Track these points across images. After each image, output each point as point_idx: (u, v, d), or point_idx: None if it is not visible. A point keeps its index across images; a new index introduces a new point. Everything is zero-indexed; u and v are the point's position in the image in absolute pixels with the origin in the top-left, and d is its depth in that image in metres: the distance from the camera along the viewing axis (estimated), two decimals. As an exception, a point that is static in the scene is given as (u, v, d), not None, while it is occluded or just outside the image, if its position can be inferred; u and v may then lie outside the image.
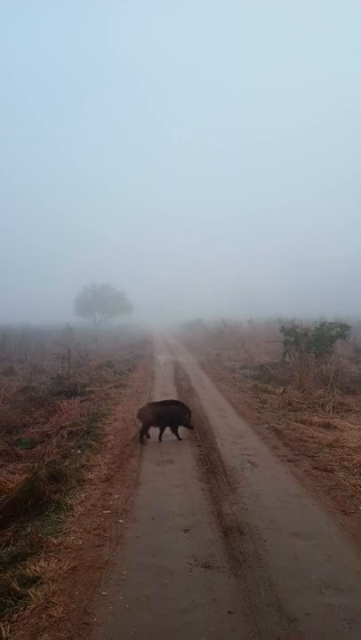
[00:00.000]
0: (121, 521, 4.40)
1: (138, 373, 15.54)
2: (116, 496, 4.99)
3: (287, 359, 14.56)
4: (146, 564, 3.67)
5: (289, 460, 6.15)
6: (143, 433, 7.07)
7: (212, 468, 5.86)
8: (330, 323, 15.15)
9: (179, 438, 7.21)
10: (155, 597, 3.24)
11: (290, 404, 9.64)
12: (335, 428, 7.77)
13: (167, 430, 7.31)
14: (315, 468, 5.84)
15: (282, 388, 11.13)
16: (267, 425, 8.06)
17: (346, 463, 5.94)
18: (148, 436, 7.12)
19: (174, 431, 7.26)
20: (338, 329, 14.34)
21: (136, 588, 3.34)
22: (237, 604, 3.14)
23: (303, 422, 8.23)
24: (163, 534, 4.14)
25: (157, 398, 10.72)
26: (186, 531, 4.20)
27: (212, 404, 10.13)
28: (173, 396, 11.00)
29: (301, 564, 3.62)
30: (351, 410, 9.14)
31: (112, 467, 5.93)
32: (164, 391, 11.81)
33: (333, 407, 9.23)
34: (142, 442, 6.98)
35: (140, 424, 7.22)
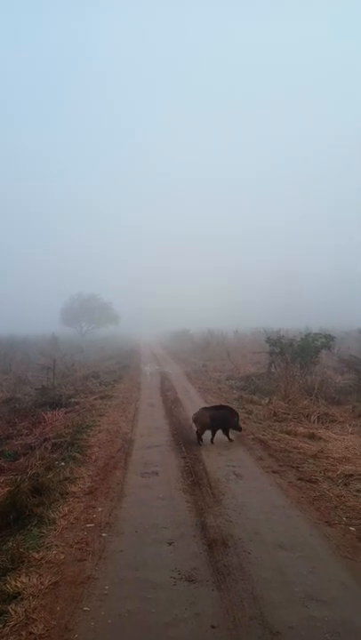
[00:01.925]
0: (104, 534, 4.35)
1: (124, 384, 15.46)
2: (100, 509, 4.94)
3: (273, 370, 14.62)
4: (129, 578, 3.63)
5: (274, 472, 6.15)
6: (200, 435, 7.51)
7: (197, 479, 5.83)
8: (315, 333, 15.27)
9: (230, 439, 7.59)
10: (137, 612, 3.20)
11: (275, 414, 9.66)
12: (320, 438, 7.80)
13: (152, 441, 7.28)
14: (299, 479, 5.85)
15: (267, 399, 11.16)
16: (252, 436, 8.06)
17: (330, 474, 5.95)
18: (201, 440, 7.54)
19: (226, 433, 7.64)
20: (323, 340, 14.45)
21: (119, 603, 3.30)
22: (221, 619, 3.11)
23: (288, 433, 8.25)
24: (146, 547, 4.10)
25: (143, 409, 10.71)
26: (170, 544, 4.17)
27: (198, 414, 10.09)
28: (159, 407, 10.99)
29: (285, 577, 3.61)
30: (336, 420, 9.18)
31: (96, 479, 5.87)
32: (150, 402, 11.77)
33: (318, 418, 9.27)
34: (199, 443, 7.48)
35: (196, 428, 7.60)
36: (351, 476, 5.82)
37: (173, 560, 3.88)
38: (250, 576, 3.61)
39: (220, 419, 7.63)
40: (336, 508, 4.94)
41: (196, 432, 7.56)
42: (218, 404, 8.76)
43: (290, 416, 9.59)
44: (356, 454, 6.81)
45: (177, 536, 4.31)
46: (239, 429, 7.67)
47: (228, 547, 4.08)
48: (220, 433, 7.68)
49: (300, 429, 8.40)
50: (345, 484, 5.59)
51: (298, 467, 6.32)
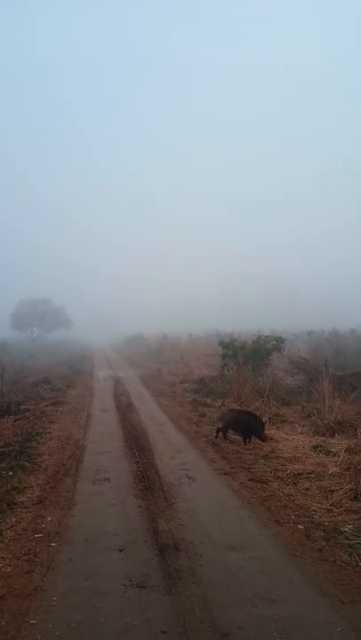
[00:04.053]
0: (53, 544, 4.24)
1: (76, 390, 15.20)
2: (49, 518, 4.81)
3: (226, 372, 14.79)
4: (78, 587, 3.55)
5: (226, 473, 6.21)
6: (219, 431, 7.93)
7: (149, 484, 5.80)
8: (266, 336, 15.63)
9: (245, 443, 7.65)
10: (86, 622, 3.13)
11: (228, 416, 9.76)
12: (271, 439, 7.94)
13: (105, 447, 7.19)
14: (250, 479, 5.93)
15: (220, 401, 11.28)
16: (205, 438, 8.11)
17: (280, 474, 6.08)
18: (225, 437, 7.88)
19: (245, 437, 7.72)
20: (274, 342, 14.81)
21: (67, 614, 3.22)
22: (171, 623, 3.10)
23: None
24: (97, 556, 4.03)
25: (96, 415, 10.57)
26: (121, 550, 4.11)
27: (152, 419, 10.07)
28: (112, 412, 10.89)
29: (235, 578, 3.65)
30: (286, 420, 9.40)
31: (46, 488, 5.72)
32: (103, 407, 11.63)
33: (270, 418, 9.44)
34: (216, 437, 7.93)
35: (220, 425, 7.95)
36: (300, 474, 5.97)
37: (124, 567, 3.83)
38: (201, 579, 3.62)
39: (244, 423, 7.80)
40: (285, 506, 5.04)
41: (218, 428, 7.88)
42: (248, 410, 8.96)
43: (242, 418, 9.72)
44: (305, 453, 6.99)
45: (128, 542, 4.26)
46: (263, 440, 7.64)
47: (180, 551, 4.08)
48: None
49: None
50: (294, 483, 5.73)
51: (249, 468, 6.41)
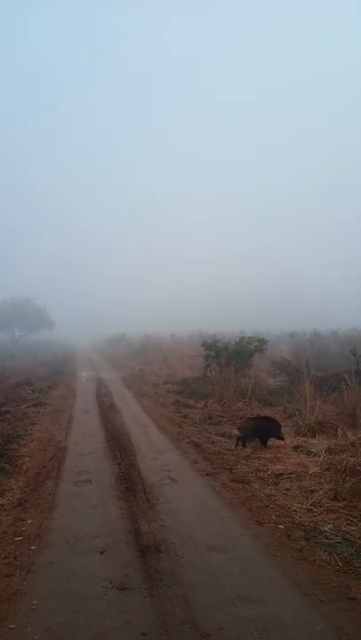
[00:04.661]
0: (33, 547, 4.20)
1: (58, 391, 15.08)
2: (30, 521, 4.76)
3: (208, 373, 14.83)
4: (58, 590, 3.52)
5: (208, 474, 6.22)
6: (239, 441, 7.69)
7: (131, 485, 5.78)
8: (249, 337, 15.73)
9: (265, 446, 7.57)
10: (66, 626, 3.11)
11: (210, 417, 9.81)
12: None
13: (87, 448, 7.15)
14: (232, 480, 5.96)
15: (203, 402, 11.30)
16: (187, 439, 8.12)
17: (261, 474, 6.12)
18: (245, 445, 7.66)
19: (264, 441, 7.63)
20: (256, 343, 14.92)
21: (47, 618, 3.20)
22: (152, 625, 3.09)
23: (223, 435, 8.40)
24: (78, 558, 4.01)
25: (78, 416, 10.50)
26: (102, 552, 4.09)
27: (134, 420, 10.04)
28: (94, 414, 10.84)
29: (217, 578, 3.66)
30: (268, 421, 9.44)
31: (26, 490, 5.66)
32: (85, 408, 11.56)
33: (252, 419, 9.50)
34: (235, 447, 7.60)
35: (240, 434, 7.79)
36: (281, 475, 6.02)
37: (105, 569, 3.81)
38: (182, 580, 3.63)
39: (262, 429, 7.79)
40: (266, 507, 5.08)
41: (238, 437, 7.78)
42: (263, 415, 8.94)
43: (225, 418, 9.78)
44: (287, 454, 7.06)
45: (109, 544, 4.24)
46: (282, 439, 7.71)
47: (161, 552, 4.07)
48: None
49: (235, 432, 8.56)
50: (275, 484, 5.77)
51: (231, 468, 6.44)
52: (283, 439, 7.72)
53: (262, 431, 7.76)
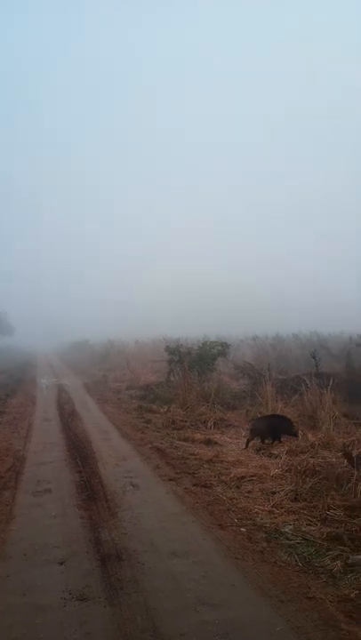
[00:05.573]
0: (-11, 561, 4.06)
1: (17, 399, 14.71)
2: (-14, 534, 4.60)
3: (172, 378, 14.79)
4: (16, 604, 3.41)
5: (170, 479, 6.19)
6: (249, 442, 7.76)
7: (92, 494, 5.68)
8: (212, 341, 15.79)
9: (280, 441, 7.82)
10: (23, 640, 3.01)
11: (173, 422, 9.78)
12: (216, 443, 8.03)
13: (46, 457, 6.98)
14: (195, 484, 5.95)
15: (166, 407, 11.26)
16: (150, 445, 8.07)
17: (224, 477, 6.13)
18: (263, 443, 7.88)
19: (276, 438, 7.85)
20: (219, 347, 14.99)
21: (3, 633, 3.08)
22: (112, 635, 3.03)
23: (186, 440, 8.39)
24: (36, 570, 3.89)
25: (38, 424, 10.27)
26: (61, 563, 3.99)
27: (96, 427, 9.90)
28: (55, 422, 10.63)
29: (178, 584, 3.63)
30: (231, 425, 9.52)
31: (-18, 502, 5.47)
32: (45, 416, 11.31)
33: (215, 423, 9.54)
34: (246, 448, 7.66)
35: (251, 436, 7.89)
36: (243, 477, 6.05)
37: (64, 580, 3.72)
38: (143, 587, 3.58)
39: (274, 427, 7.94)
40: (228, 510, 5.09)
41: (248, 439, 7.82)
42: (272, 413, 9.04)
43: (188, 423, 9.77)
44: (249, 456, 7.12)
45: (69, 554, 4.15)
46: (295, 435, 7.81)
47: (123, 560, 4.01)
48: None
49: (198, 436, 8.59)
50: (237, 487, 5.79)
51: (194, 473, 6.43)
52: (296, 435, 7.83)
53: (276, 429, 7.98)
